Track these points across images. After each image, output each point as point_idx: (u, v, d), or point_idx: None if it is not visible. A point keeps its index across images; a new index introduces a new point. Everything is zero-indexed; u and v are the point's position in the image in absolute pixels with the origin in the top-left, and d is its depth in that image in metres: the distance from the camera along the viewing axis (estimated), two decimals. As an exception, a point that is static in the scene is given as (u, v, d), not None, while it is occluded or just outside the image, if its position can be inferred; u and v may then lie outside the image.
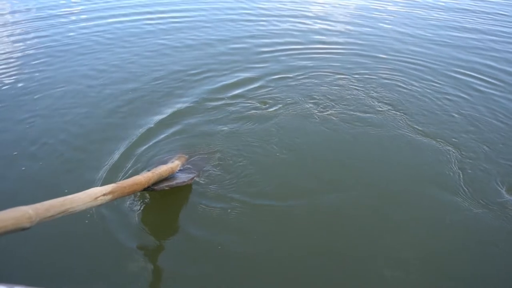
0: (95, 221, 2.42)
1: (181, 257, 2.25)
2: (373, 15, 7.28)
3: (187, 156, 2.70)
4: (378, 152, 3.29)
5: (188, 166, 2.68)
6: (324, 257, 2.31)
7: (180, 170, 2.54)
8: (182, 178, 2.43)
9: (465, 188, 2.87)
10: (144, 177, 2.12)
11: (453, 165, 3.11)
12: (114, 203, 2.38)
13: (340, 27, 6.56)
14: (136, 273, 2.14)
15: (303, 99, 4.07)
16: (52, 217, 1.49)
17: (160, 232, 2.42)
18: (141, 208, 2.48)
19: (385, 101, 4.09)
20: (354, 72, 4.75)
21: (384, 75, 4.71)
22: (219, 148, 3.19)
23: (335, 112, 3.84)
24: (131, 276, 2.11)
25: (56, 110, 3.80)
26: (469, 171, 3.05)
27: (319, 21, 6.83)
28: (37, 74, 4.55)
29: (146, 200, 2.54)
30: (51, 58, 5.00)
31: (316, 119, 3.70)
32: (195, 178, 2.54)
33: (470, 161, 3.16)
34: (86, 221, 2.40)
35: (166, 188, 2.30)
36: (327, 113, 3.82)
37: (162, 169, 2.29)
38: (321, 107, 3.90)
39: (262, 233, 2.44)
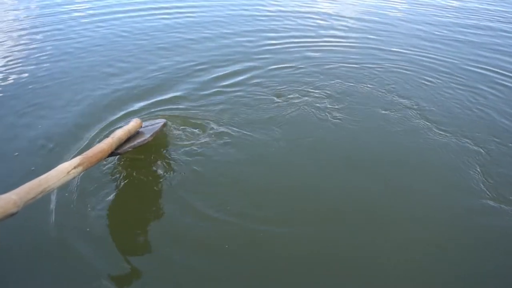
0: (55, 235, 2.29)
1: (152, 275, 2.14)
2: (388, 13, 7.26)
3: (140, 120, 2.80)
4: (395, 151, 3.18)
5: (144, 128, 2.80)
6: (330, 255, 2.26)
7: (138, 132, 2.67)
8: (141, 138, 2.58)
9: (488, 192, 2.72)
10: (105, 143, 2.23)
11: (475, 166, 2.97)
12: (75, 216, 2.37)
13: (355, 23, 6.47)
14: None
15: (316, 91, 3.99)
16: (34, 198, 1.63)
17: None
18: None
19: (402, 96, 3.95)
20: (370, 67, 4.67)
21: (401, 70, 4.59)
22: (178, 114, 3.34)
23: (348, 107, 3.74)
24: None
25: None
26: (492, 172, 2.90)
27: (335, 17, 6.77)
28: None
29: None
30: (64, 51, 5.04)
31: (329, 114, 3.58)
32: (149, 139, 2.65)
33: (492, 161, 3.02)
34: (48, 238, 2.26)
35: (129, 149, 2.44)
36: (341, 107, 3.71)
37: (119, 133, 2.40)
38: (334, 102, 3.79)
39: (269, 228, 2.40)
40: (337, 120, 3.49)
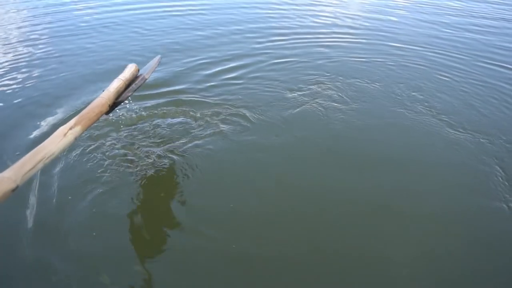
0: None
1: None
2: (399, 10, 6.95)
3: (136, 65, 2.50)
4: (407, 148, 3.07)
5: (142, 71, 2.52)
6: (340, 254, 2.19)
7: (136, 77, 2.40)
8: (139, 79, 2.32)
9: (506, 194, 2.59)
10: (102, 97, 2.01)
11: (493, 166, 2.85)
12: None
13: (366, 20, 6.27)
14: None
15: (327, 86, 3.91)
16: (34, 168, 1.47)
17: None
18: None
19: (415, 92, 3.83)
20: (381, 62, 4.56)
21: (414, 66, 4.47)
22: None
23: (360, 102, 3.64)
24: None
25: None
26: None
27: (345, 14, 6.59)
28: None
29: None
30: (61, 36, 5.25)
31: (340, 111, 3.47)
32: (147, 76, 2.40)
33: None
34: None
35: (130, 94, 2.20)
36: (353, 104, 3.60)
37: (115, 84, 2.17)
38: (345, 98, 3.69)
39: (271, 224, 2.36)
40: (348, 117, 3.41)
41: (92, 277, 2.02)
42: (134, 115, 3.28)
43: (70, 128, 1.71)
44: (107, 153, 2.83)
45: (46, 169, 2.55)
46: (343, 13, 6.65)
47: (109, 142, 2.95)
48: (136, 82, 2.29)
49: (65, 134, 1.67)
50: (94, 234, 2.25)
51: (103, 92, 2.09)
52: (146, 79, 2.35)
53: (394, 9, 7.00)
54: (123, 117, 3.20)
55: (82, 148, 2.86)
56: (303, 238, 2.27)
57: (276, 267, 2.11)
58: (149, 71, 2.43)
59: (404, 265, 2.12)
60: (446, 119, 3.38)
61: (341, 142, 3.10)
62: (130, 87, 2.24)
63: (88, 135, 2.96)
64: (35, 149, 1.55)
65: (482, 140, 3.13)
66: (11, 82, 4.00)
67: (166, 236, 2.29)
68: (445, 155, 2.98)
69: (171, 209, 2.48)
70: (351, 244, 2.25)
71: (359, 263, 2.14)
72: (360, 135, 3.18)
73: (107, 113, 2.12)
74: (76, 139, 1.78)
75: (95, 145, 2.91)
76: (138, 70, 2.50)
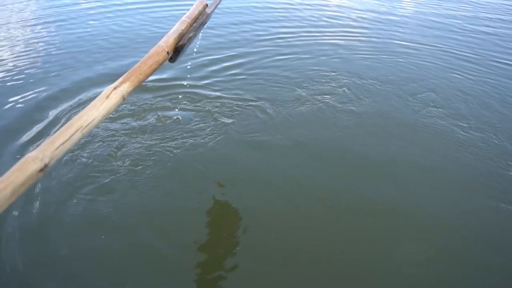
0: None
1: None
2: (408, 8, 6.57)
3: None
4: (420, 149, 2.97)
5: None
6: (342, 254, 2.16)
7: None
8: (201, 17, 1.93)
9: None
10: (159, 45, 1.70)
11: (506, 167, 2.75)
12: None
13: (375, 17, 6.03)
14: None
15: (333, 84, 3.84)
16: (67, 143, 1.25)
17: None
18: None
19: (425, 90, 3.76)
20: (388, 59, 4.50)
21: (423, 63, 4.40)
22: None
23: (367, 99, 3.57)
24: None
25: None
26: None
27: (351, 10, 6.31)
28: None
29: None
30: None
31: (347, 109, 3.41)
32: (209, 11, 1.99)
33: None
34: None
35: (190, 35, 1.84)
36: (360, 101, 3.53)
37: (177, 26, 1.81)
38: (352, 96, 3.63)
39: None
40: (358, 116, 3.32)
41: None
42: (136, 109, 3.28)
43: (115, 88, 1.46)
44: (106, 148, 2.80)
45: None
46: (353, 11, 6.43)
47: (109, 137, 2.94)
48: (197, 20, 1.91)
49: (107, 96, 1.42)
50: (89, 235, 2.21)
51: (162, 39, 1.77)
52: (209, 14, 1.94)
53: (405, 8, 6.79)
54: (126, 110, 3.20)
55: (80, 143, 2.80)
56: (309, 238, 2.24)
57: (278, 266, 2.07)
58: (212, 7, 2.00)
59: (409, 266, 2.09)
60: (458, 120, 3.28)
61: (348, 141, 3.02)
62: (191, 27, 1.87)
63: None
64: (72, 119, 1.33)
65: (496, 141, 3.03)
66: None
67: (167, 236, 2.22)
68: (454, 156, 2.88)
69: (172, 208, 2.41)
70: (356, 243, 2.22)
71: (364, 262, 2.11)
72: (368, 135, 3.09)
73: (172, 60, 1.82)
74: (124, 98, 1.52)
75: (94, 139, 2.89)
76: (206, 6, 2.10)
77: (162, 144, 2.90)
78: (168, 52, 1.72)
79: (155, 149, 2.84)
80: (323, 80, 3.90)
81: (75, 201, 2.41)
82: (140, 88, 3.49)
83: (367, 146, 2.99)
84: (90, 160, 2.73)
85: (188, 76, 3.81)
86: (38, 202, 2.39)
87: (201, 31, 2.08)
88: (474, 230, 2.34)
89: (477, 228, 2.36)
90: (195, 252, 2.17)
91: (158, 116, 3.24)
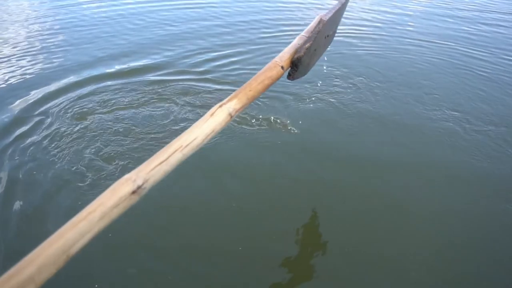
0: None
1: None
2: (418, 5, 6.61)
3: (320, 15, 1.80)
4: (419, 149, 2.93)
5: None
6: (346, 252, 2.12)
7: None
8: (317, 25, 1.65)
9: None
10: (274, 61, 1.52)
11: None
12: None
13: (383, 14, 6.12)
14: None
15: (341, 81, 3.79)
16: (164, 164, 1.14)
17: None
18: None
19: (434, 90, 3.71)
20: (398, 57, 4.49)
21: (434, 60, 4.41)
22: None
23: (375, 98, 3.53)
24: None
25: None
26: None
27: (360, 7, 6.42)
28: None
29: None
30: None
31: (353, 106, 3.38)
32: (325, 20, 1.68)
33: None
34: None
35: (307, 45, 1.59)
36: (368, 100, 3.49)
37: (294, 42, 1.60)
38: (359, 93, 3.59)
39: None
40: (361, 114, 3.27)
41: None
42: (129, 102, 3.30)
43: (220, 106, 1.34)
44: (100, 143, 2.80)
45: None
46: (364, 8, 6.48)
47: (108, 130, 2.97)
48: (314, 29, 1.66)
49: (212, 114, 1.32)
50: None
51: (276, 57, 1.59)
52: (325, 21, 1.66)
53: (416, 4, 6.78)
54: (120, 103, 3.22)
55: (71, 137, 2.84)
56: (315, 236, 2.27)
57: (280, 264, 2.07)
58: (329, 14, 1.72)
59: (410, 266, 2.07)
60: (476, 120, 3.21)
61: (355, 140, 2.98)
62: (307, 37, 1.64)
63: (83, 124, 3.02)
64: (173, 140, 1.25)
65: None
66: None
67: (167, 236, 2.20)
68: (463, 156, 2.83)
69: (173, 208, 2.38)
70: (361, 243, 2.18)
71: (368, 261, 2.09)
72: (375, 134, 3.05)
73: (291, 77, 1.64)
74: (231, 116, 1.40)
75: (88, 133, 2.91)
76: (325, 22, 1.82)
77: (161, 140, 2.85)
78: (282, 67, 1.54)
79: (153, 143, 2.82)
80: (332, 77, 3.87)
81: (74, 195, 2.42)
82: (141, 81, 3.69)
83: (377, 145, 2.94)
84: (88, 156, 2.71)
85: (194, 70, 3.94)
86: (32, 196, 2.44)
87: (328, 47, 1.84)
88: (479, 230, 2.30)
89: (481, 228, 2.32)
90: (195, 252, 2.13)
91: (159, 110, 3.23)
